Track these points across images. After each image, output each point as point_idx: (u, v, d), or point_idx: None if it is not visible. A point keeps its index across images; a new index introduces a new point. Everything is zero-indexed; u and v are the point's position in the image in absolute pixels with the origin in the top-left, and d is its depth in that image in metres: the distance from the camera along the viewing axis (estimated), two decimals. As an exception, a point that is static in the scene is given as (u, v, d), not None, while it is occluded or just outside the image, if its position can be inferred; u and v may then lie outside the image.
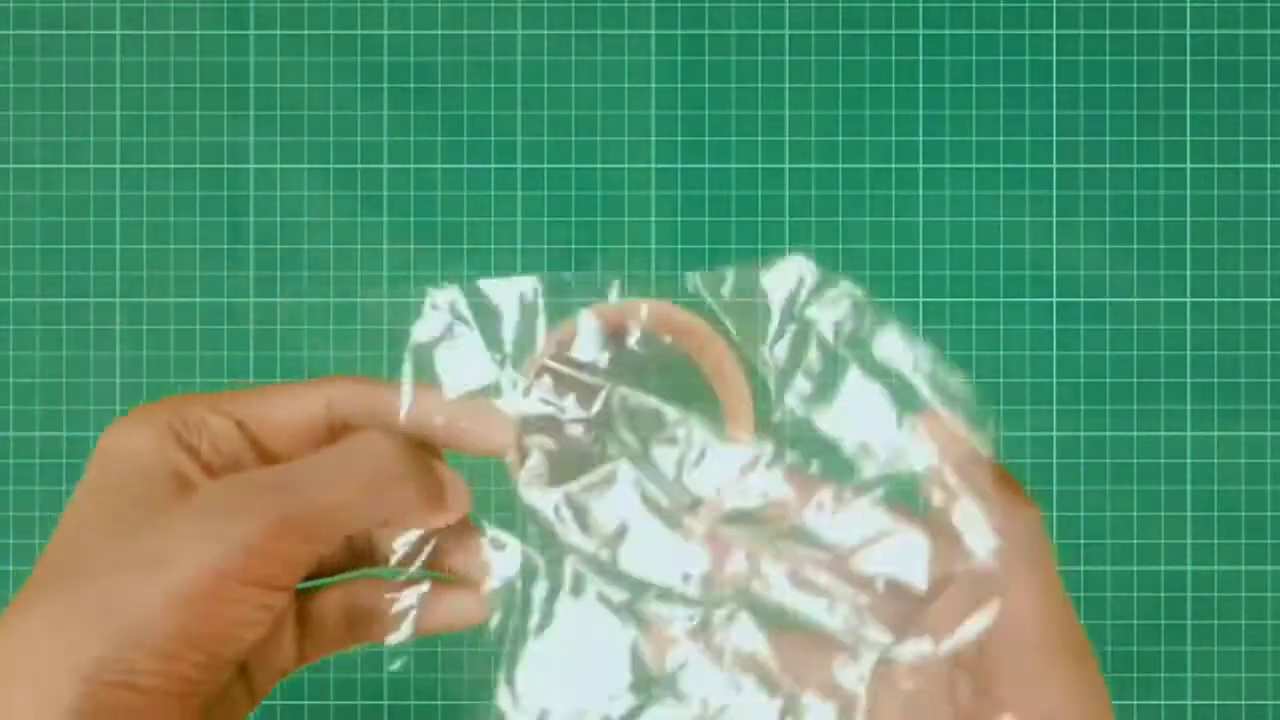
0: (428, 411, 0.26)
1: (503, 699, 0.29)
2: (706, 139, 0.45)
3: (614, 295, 0.30)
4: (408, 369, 0.27)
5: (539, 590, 0.27)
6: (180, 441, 0.24)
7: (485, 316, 0.27)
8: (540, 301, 0.28)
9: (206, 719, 0.23)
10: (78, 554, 0.22)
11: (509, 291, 0.28)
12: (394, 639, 0.27)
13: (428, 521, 0.26)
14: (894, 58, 0.45)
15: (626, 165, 0.45)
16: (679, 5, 0.45)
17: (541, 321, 0.27)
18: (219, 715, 0.24)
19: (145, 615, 0.21)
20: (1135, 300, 0.45)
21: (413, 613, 0.27)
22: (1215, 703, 0.44)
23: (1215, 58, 0.45)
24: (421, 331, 0.27)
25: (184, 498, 0.23)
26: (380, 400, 0.25)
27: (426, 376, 0.27)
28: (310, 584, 0.26)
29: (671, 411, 0.27)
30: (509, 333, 0.27)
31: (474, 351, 0.27)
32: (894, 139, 0.45)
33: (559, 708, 0.28)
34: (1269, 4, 0.45)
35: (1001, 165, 0.45)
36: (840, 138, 0.45)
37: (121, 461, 0.23)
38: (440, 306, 0.27)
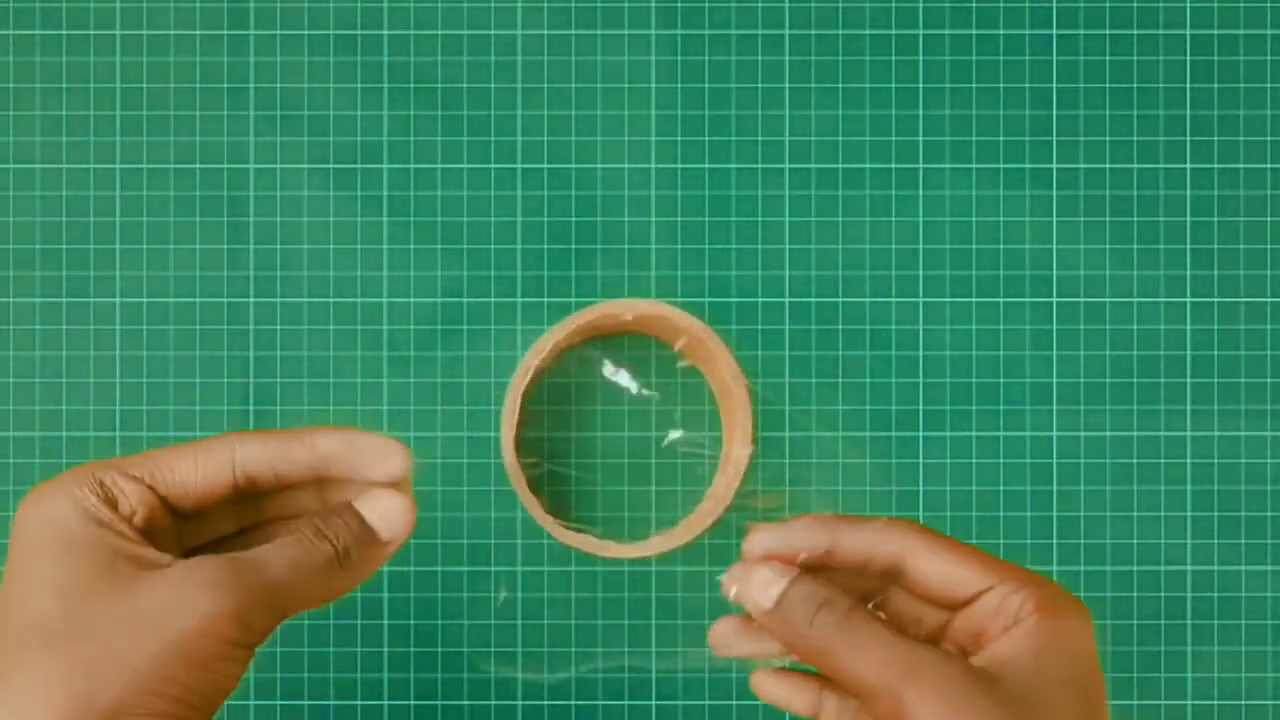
0: (330, 448, 0.28)
1: None
2: (706, 139, 0.45)
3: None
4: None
5: None
6: (104, 506, 0.26)
7: None
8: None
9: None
10: (67, 616, 0.25)
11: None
12: None
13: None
14: (894, 58, 0.45)
15: (626, 165, 0.45)
16: (679, 5, 0.45)
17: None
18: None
19: (151, 667, 0.24)
20: (1135, 300, 0.45)
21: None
22: (1215, 703, 0.44)
23: (1215, 58, 0.45)
24: None
25: (150, 568, 0.26)
26: (279, 455, 0.28)
27: None
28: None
29: None
30: None
31: None
32: (894, 139, 0.45)
33: None
34: (1269, 4, 0.45)
35: (1001, 165, 0.45)
36: (840, 138, 0.45)
37: (50, 531, 0.26)
38: None
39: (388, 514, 0.28)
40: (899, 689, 0.25)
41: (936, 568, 0.27)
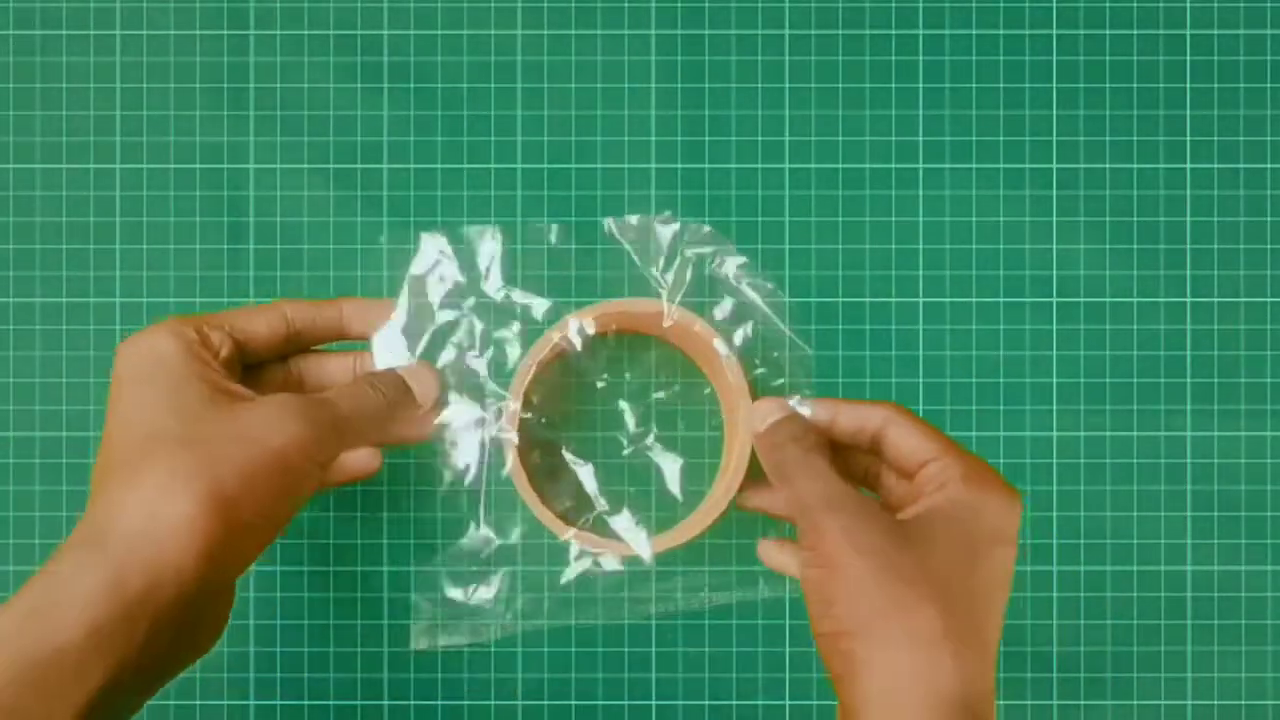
0: (351, 310, 0.37)
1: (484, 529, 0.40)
2: (706, 139, 0.45)
3: (553, 237, 0.43)
4: (404, 294, 0.39)
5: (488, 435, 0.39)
6: (196, 344, 0.33)
7: (464, 254, 0.41)
8: (500, 242, 0.41)
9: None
10: (185, 429, 0.31)
11: (480, 232, 0.41)
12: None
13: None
14: (894, 58, 0.45)
15: (626, 165, 0.45)
16: (679, 5, 0.45)
17: (498, 254, 0.41)
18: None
19: (258, 471, 0.31)
20: (1135, 300, 0.45)
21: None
22: (1215, 703, 0.44)
23: (1215, 58, 0.45)
24: (416, 266, 0.40)
25: (243, 399, 0.33)
26: (318, 311, 0.36)
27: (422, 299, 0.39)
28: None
29: None
30: (483, 261, 0.41)
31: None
32: (894, 139, 0.45)
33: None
34: (1269, 4, 0.45)
35: (1001, 165, 0.45)
36: (840, 138, 0.45)
37: (159, 360, 0.32)
38: (428, 247, 0.40)
39: (420, 379, 0.37)
40: (820, 513, 0.32)
41: (905, 438, 0.34)
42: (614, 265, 0.45)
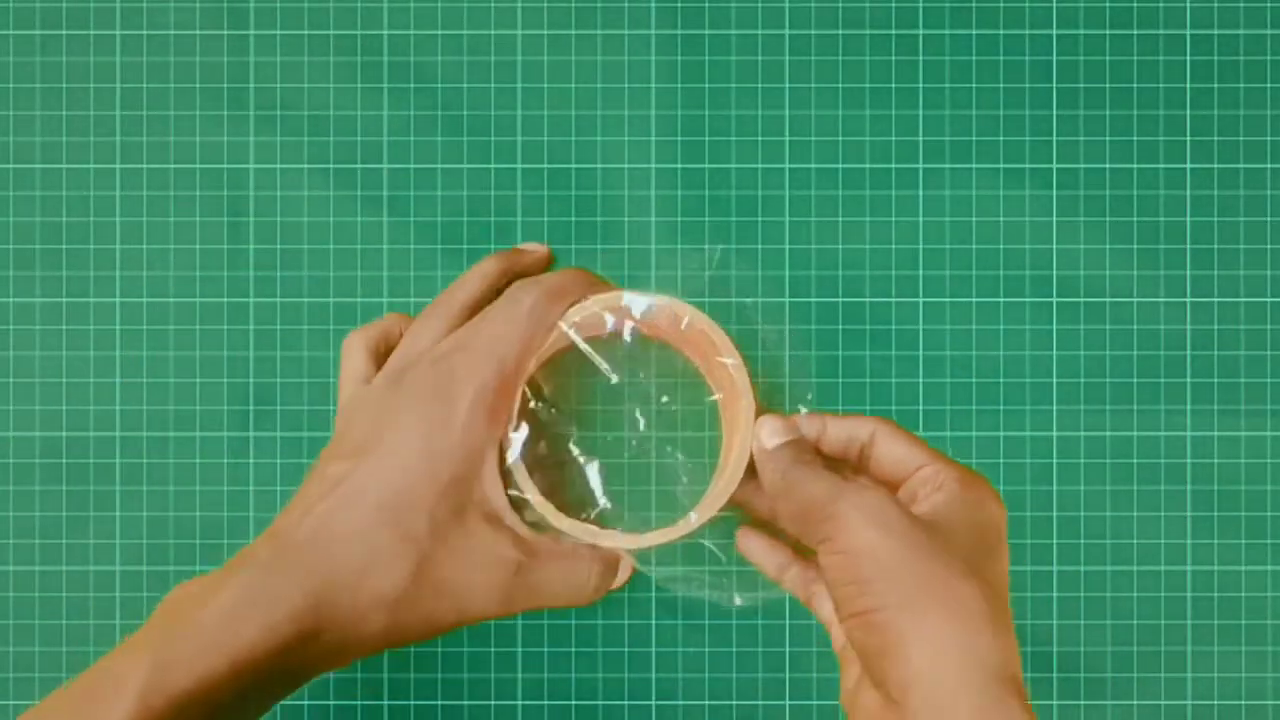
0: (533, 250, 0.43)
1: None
2: (706, 139, 0.45)
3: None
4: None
5: None
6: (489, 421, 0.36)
7: None
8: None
9: None
10: (428, 513, 0.34)
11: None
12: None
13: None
14: (894, 58, 0.45)
15: (626, 165, 0.45)
16: (679, 5, 0.45)
17: None
18: None
19: (437, 621, 0.35)
20: (1135, 300, 0.45)
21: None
22: (1215, 703, 0.44)
23: (1215, 58, 0.45)
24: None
25: (483, 531, 0.36)
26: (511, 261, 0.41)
27: None
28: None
29: None
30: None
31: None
32: (894, 139, 0.45)
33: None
34: (1269, 4, 0.45)
35: (1001, 165, 0.45)
36: (840, 138, 0.45)
37: (462, 408, 0.35)
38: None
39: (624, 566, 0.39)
40: (834, 506, 0.32)
41: (894, 449, 0.35)
42: (614, 265, 0.45)
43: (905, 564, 0.30)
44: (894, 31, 0.45)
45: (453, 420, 0.34)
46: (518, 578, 0.35)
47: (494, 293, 0.39)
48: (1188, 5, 0.45)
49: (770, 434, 0.36)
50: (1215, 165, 0.45)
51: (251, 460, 0.44)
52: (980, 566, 0.31)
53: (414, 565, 0.33)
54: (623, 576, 0.39)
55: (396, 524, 0.33)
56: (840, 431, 0.36)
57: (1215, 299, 0.45)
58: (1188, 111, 0.45)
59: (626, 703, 0.44)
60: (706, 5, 0.45)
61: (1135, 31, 0.45)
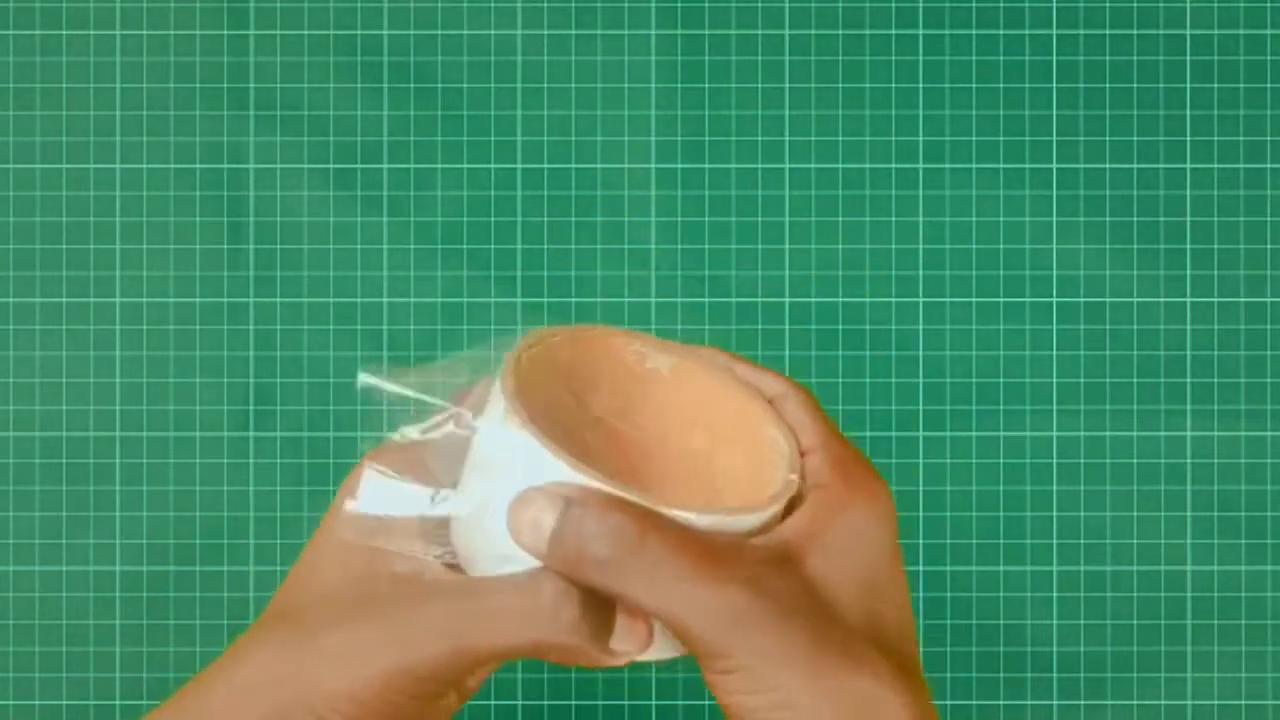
0: None
1: None
2: (706, 139, 0.45)
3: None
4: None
5: None
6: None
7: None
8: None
9: None
10: (306, 589, 0.28)
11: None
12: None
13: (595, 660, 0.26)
14: (894, 58, 0.45)
15: (626, 165, 0.45)
16: (679, 5, 0.45)
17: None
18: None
19: (331, 699, 0.25)
20: (1135, 300, 0.45)
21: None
22: (1215, 703, 0.44)
23: (1215, 58, 0.45)
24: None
25: (375, 600, 0.26)
26: None
27: None
28: None
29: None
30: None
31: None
32: (894, 139, 0.45)
33: None
34: (1269, 4, 0.45)
35: (1001, 165, 0.45)
36: (840, 138, 0.45)
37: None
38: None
39: (635, 633, 0.26)
40: (717, 634, 0.24)
41: (797, 417, 0.28)
42: (614, 265, 0.45)
43: (796, 665, 0.24)
44: (894, 31, 0.45)
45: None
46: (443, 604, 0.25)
47: None
48: (1188, 5, 0.45)
49: (533, 524, 0.24)
50: (1215, 165, 0.45)
51: (251, 460, 0.44)
52: (878, 624, 0.26)
53: None
54: (638, 642, 0.26)
55: None
56: (748, 376, 0.30)
57: (1215, 299, 0.45)
58: (1188, 111, 0.45)
59: (626, 703, 0.44)
60: (706, 5, 0.45)
61: (1135, 31, 0.45)
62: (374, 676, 0.25)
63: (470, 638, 0.25)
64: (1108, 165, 0.45)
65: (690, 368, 0.30)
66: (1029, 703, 0.44)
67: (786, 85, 0.45)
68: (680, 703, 0.44)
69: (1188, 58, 0.45)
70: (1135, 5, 0.45)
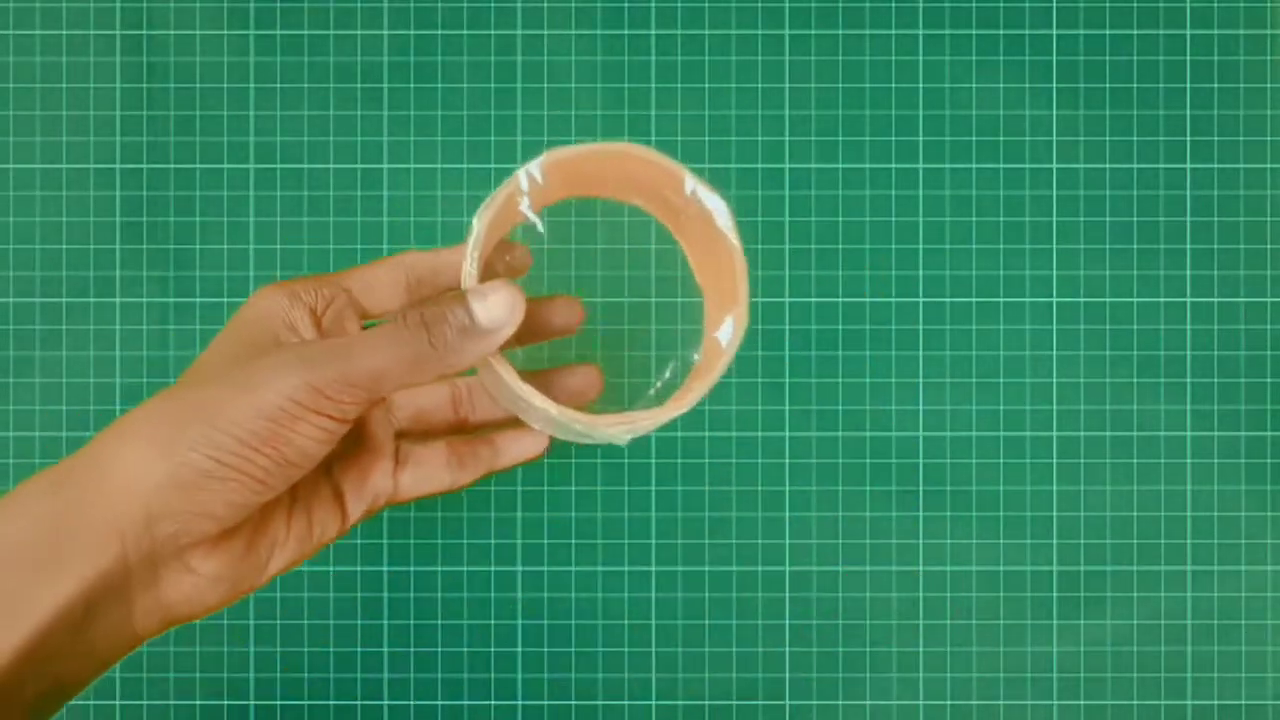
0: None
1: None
2: (707, 139, 0.45)
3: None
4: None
5: None
6: (301, 301, 0.32)
7: None
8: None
9: (307, 524, 0.32)
10: (198, 374, 0.30)
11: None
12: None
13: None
14: (894, 58, 0.45)
15: (626, 165, 0.45)
16: (679, 5, 0.45)
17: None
18: (316, 524, 0.33)
19: (233, 417, 0.29)
20: (1135, 300, 0.45)
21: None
22: (1215, 703, 0.44)
23: (1215, 58, 0.45)
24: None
25: (284, 346, 0.31)
26: (440, 261, 0.35)
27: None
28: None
29: None
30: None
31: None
32: (894, 139, 0.45)
33: None
34: (1269, 4, 0.45)
35: (1001, 165, 0.45)
36: (840, 138, 0.45)
37: (253, 315, 0.32)
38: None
39: (492, 304, 0.31)
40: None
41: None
42: (614, 265, 0.45)
43: None
44: (894, 32, 0.45)
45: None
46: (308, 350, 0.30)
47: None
48: (1188, 5, 0.45)
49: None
50: (1215, 165, 0.45)
51: (251, 460, 0.44)
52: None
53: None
54: (496, 315, 0.31)
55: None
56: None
57: (1215, 299, 0.45)
58: (1188, 111, 0.45)
59: (626, 703, 0.44)
60: (706, 5, 0.45)
61: (1135, 31, 0.45)
62: (280, 391, 0.29)
63: (358, 358, 0.30)
64: (1108, 165, 0.45)
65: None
66: (1029, 703, 0.45)
67: (786, 85, 0.45)
68: (680, 703, 0.44)
69: (1188, 58, 0.45)
70: (1135, 5, 0.45)
